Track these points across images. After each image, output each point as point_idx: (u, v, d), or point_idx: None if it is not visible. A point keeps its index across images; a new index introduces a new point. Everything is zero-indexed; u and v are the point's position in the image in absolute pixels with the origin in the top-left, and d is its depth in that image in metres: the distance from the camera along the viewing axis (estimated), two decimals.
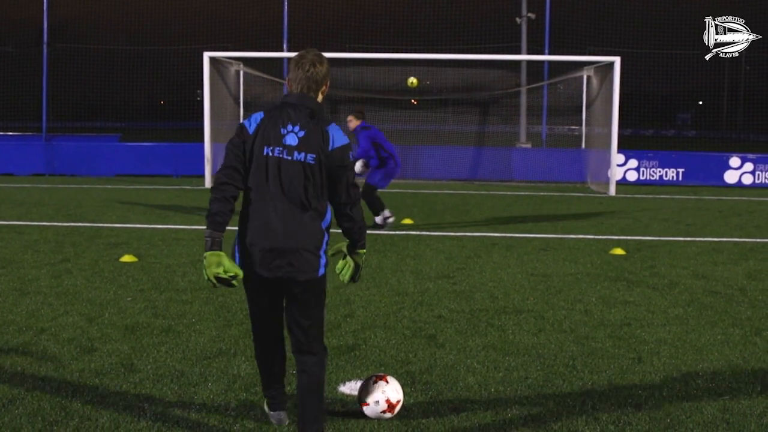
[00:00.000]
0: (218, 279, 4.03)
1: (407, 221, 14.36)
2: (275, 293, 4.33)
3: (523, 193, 21.42)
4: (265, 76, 26.08)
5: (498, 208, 17.42)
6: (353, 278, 4.46)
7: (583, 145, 25.56)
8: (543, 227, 14.04)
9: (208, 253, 4.05)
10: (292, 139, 4.16)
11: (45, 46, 26.93)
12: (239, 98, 25.34)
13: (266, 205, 4.14)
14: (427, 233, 13.09)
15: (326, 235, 4.27)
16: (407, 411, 5.11)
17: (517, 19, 29.49)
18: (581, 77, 25.06)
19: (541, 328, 7.25)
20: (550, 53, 26.81)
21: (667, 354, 6.50)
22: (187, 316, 7.39)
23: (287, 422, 4.76)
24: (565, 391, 5.56)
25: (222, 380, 5.65)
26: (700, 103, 36.99)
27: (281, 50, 26.59)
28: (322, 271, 4.25)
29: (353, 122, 13.56)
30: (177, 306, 7.82)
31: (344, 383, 5.64)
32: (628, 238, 12.89)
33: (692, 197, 20.63)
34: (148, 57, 32.64)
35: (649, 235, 13.22)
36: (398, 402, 4.87)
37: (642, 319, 7.62)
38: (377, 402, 4.81)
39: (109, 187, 21.20)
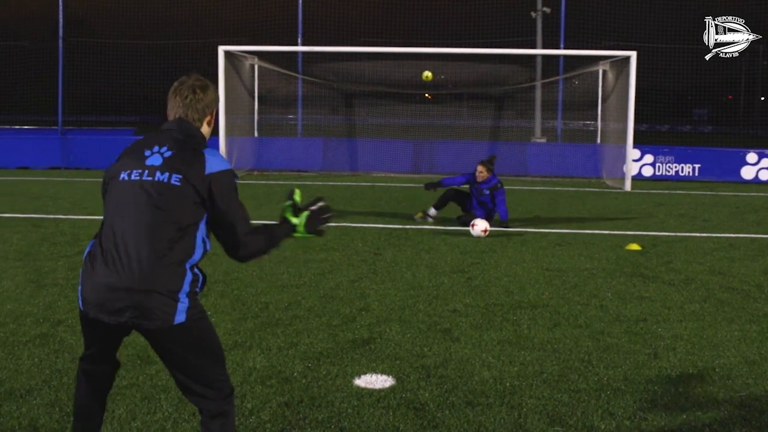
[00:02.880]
0: None
1: (421, 215, 14.33)
2: (112, 339, 3.76)
3: (537, 188, 21.37)
4: (280, 69, 26.12)
5: (513, 202, 17.34)
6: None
7: (599, 140, 25.46)
8: (558, 222, 14.00)
9: None
10: (155, 160, 3.54)
11: (60, 41, 27.03)
12: (254, 92, 25.39)
13: (113, 235, 3.48)
14: (442, 227, 13.08)
15: (189, 275, 3.52)
16: (422, 404, 5.12)
17: (533, 14, 29.37)
18: (597, 72, 24.97)
19: (557, 323, 7.24)
20: (565, 48, 26.68)
21: (683, 350, 6.47)
22: None
23: None
24: (580, 386, 5.54)
25: (237, 373, 5.66)
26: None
27: (296, 44, 26.59)
28: (180, 317, 3.47)
29: (484, 174, 13.56)
30: None
31: (359, 376, 5.64)
32: (644, 233, 12.84)
33: (708, 193, 20.52)
34: (162, 51, 32.69)
35: (665, 231, 13.16)
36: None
37: (658, 315, 7.59)
38: None
39: None
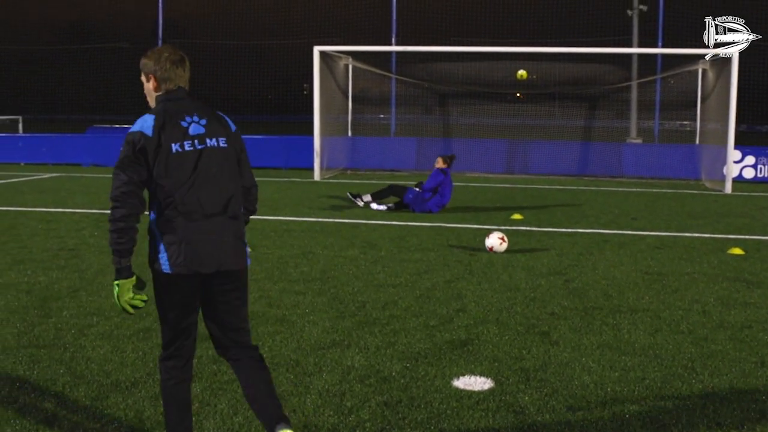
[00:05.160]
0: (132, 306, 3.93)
1: (517, 216, 14.23)
2: (198, 297, 4.06)
3: (634, 189, 20.96)
4: (374, 69, 26.25)
5: (609, 204, 17.08)
6: None
7: (697, 141, 24.82)
8: (656, 224, 13.70)
9: (121, 281, 3.87)
10: (197, 129, 3.93)
11: (160, 42, 27.72)
12: (348, 92, 25.57)
13: (193, 198, 3.82)
14: (538, 229, 12.94)
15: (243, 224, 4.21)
16: (522, 408, 5.06)
17: (629, 12, 28.87)
18: (696, 71, 24.33)
19: (658, 328, 7.08)
20: (663, 46, 26.09)
21: None
22: (300, 307, 7.49)
23: None
24: (684, 394, 5.41)
25: (336, 371, 5.71)
26: None
27: (390, 44, 26.69)
28: (248, 260, 4.21)
29: (441, 164, 14.99)
30: (290, 296, 7.93)
31: (458, 378, 5.62)
32: (747, 237, 12.46)
33: None
34: (256, 52, 33.20)
35: None
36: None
37: (764, 322, 7.35)
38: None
39: None
